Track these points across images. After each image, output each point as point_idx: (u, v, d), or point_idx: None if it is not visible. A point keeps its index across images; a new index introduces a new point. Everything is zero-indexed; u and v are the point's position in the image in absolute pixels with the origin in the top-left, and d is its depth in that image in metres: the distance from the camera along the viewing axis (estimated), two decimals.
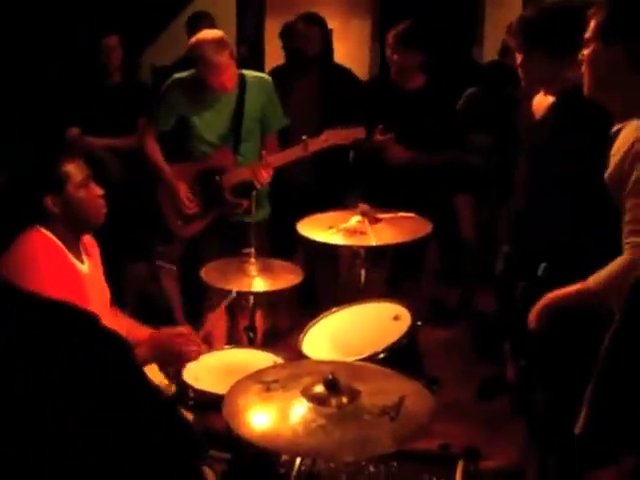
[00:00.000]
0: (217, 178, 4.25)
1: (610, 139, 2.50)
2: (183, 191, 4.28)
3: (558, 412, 2.84)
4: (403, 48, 4.80)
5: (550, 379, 3.02)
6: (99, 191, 2.90)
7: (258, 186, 4.08)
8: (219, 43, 4.07)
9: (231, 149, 4.29)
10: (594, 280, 2.53)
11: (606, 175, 2.49)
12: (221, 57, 4.04)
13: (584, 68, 2.54)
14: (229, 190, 4.26)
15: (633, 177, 2.38)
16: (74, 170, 2.82)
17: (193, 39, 4.16)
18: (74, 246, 2.89)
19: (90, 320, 1.25)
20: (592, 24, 2.49)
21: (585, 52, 2.52)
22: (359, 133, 4.22)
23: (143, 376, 1.31)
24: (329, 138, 4.16)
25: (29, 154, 2.94)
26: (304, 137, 4.14)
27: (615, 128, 2.47)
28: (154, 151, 4.34)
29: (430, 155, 4.77)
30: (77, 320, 1.25)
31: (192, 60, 4.16)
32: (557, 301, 2.70)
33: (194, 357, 2.92)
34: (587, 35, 2.51)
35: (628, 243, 2.43)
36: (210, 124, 4.28)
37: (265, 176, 4.11)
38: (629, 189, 2.40)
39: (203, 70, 4.10)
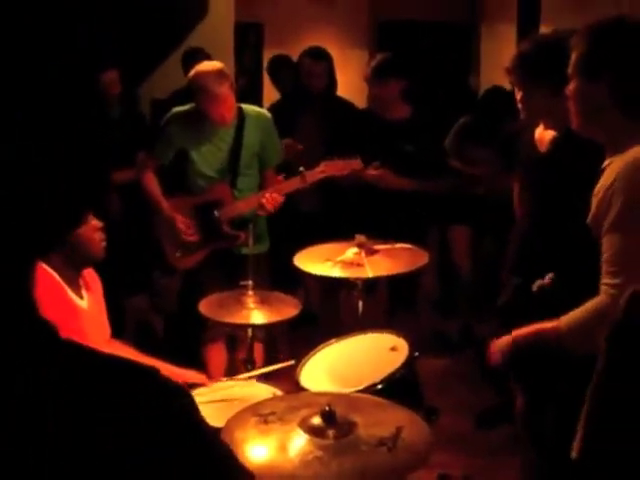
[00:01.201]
0: (216, 212, 4.26)
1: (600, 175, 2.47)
2: (180, 220, 4.28)
3: (566, 439, 2.80)
4: (380, 80, 4.81)
5: (557, 405, 2.97)
6: (98, 224, 2.91)
7: (264, 213, 4.15)
8: (219, 74, 4.11)
9: (228, 183, 4.30)
10: (566, 322, 2.44)
11: (589, 217, 2.44)
12: (221, 88, 4.08)
13: (570, 103, 2.50)
14: (227, 223, 4.27)
15: (610, 216, 2.34)
16: None
17: (193, 70, 4.19)
18: (73, 281, 2.90)
19: (151, 374, 1.24)
20: (573, 57, 2.45)
21: (570, 87, 2.48)
22: (356, 164, 4.25)
23: (204, 425, 1.28)
24: (326, 169, 4.19)
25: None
26: (301, 169, 4.17)
27: (605, 163, 2.45)
28: (152, 184, 4.35)
29: (426, 181, 4.76)
30: (137, 374, 1.25)
31: (192, 92, 4.18)
32: (521, 341, 2.61)
33: None
34: (569, 69, 2.47)
35: (603, 284, 2.37)
36: (208, 158, 4.30)
37: (274, 203, 4.17)
38: (606, 228, 2.35)
39: (203, 101, 4.13)
